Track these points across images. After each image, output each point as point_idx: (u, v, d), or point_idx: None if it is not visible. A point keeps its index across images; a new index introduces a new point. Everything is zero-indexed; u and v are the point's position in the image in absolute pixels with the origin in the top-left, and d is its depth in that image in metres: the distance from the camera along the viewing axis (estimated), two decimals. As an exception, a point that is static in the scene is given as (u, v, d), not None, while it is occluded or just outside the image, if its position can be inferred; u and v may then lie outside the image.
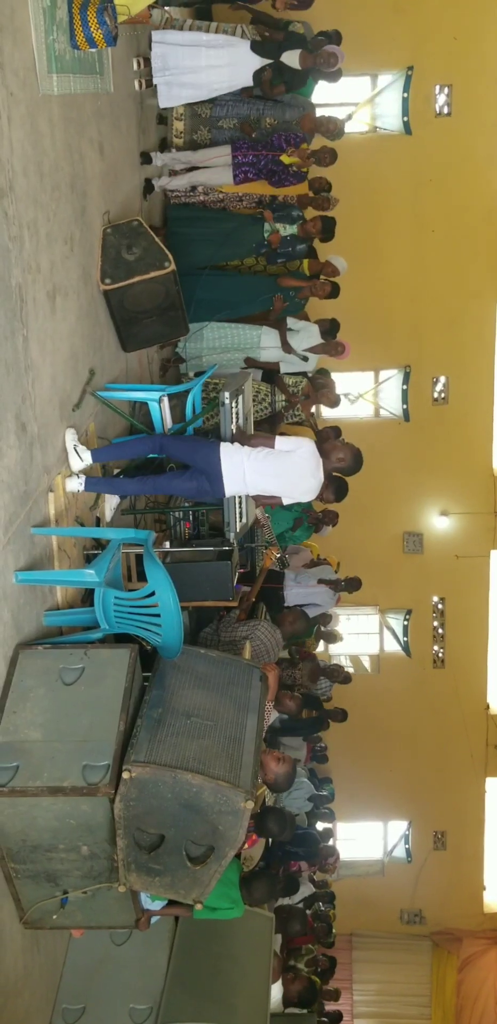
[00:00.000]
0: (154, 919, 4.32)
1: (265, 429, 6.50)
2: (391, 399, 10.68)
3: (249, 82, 6.45)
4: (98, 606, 3.94)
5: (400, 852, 11.80)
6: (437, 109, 9.92)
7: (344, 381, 9.26)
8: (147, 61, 6.20)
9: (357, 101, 9.95)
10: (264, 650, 5.07)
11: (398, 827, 11.82)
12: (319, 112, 7.06)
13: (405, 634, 11.12)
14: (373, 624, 11.28)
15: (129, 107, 5.88)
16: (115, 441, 5.11)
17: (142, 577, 4.20)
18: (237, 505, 4.83)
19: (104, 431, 5.01)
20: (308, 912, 8.20)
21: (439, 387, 10.59)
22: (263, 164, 6.55)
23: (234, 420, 4.77)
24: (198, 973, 4.49)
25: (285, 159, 6.50)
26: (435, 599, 11.07)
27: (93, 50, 4.38)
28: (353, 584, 8.00)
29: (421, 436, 10.54)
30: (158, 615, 3.82)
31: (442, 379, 10.55)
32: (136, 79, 6.06)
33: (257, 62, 6.40)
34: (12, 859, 3.69)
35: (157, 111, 6.69)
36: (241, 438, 4.73)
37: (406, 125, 9.88)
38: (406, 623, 11.09)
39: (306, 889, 8.65)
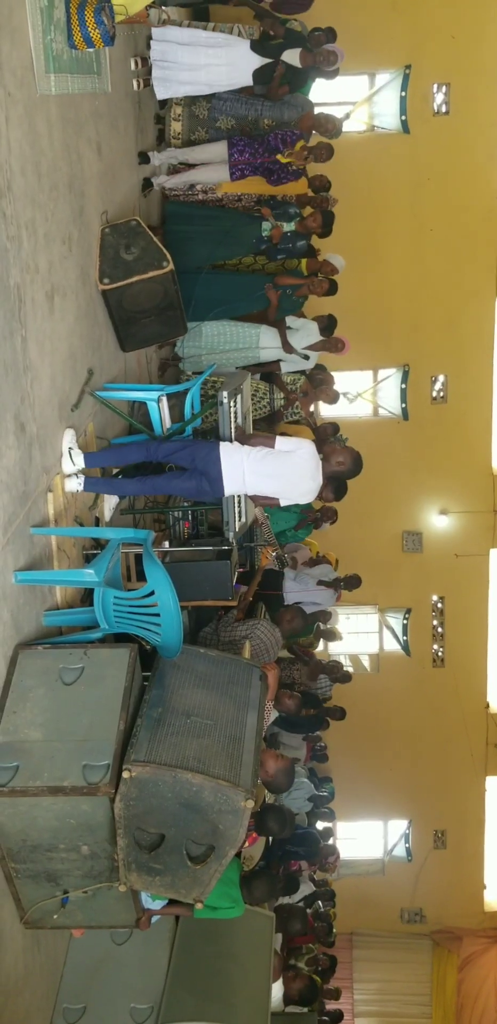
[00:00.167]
0: (154, 918, 4.32)
1: (263, 428, 6.51)
2: (390, 398, 10.68)
3: (248, 81, 6.44)
4: (97, 606, 3.94)
5: (400, 851, 11.80)
6: (435, 108, 9.92)
7: (343, 380, 9.25)
8: (145, 61, 6.20)
9: (355, 100, 9.95)
10: (263, 649, 5.07)
11: (398, 826, 11.82)
12: (317, 110, 7.06)
13: (405, 633, 11.12)
14: (372, 623, 11.29)
15: (127, 107, 5.88)
16: (114, 441, 5.11)
17: (141, 577, 4.20)
18: (236, 504, 4.83)
19: (103, 431, 5.01)
20: (308, 911, 8.20)
21: (438, 386, 10.60)
22: (260, 163, 6.54)
23: (233, 419, 4.76)
24: (199, 972, 4.49)
25: (282, 159, 6.49)
26: (435, 598, 11.08)
27: (91, 50, 4.37)
28: (352, 582, 8.00)
29: (420, 435, 10.55)
30: (158, 615, 3.82)
31: (441, 378, 10.55)
32: (134, 79, 6.06)
33: (256, 61, 6.39)
34: (12, 859, 3.69)
35: (155, 111, 6.69)
36: (241, 437, 4.72)
37: (404, 124, 9.88)
38: (406, 622, 11.10)
39: (306, 888, 8.66)
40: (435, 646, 11.19)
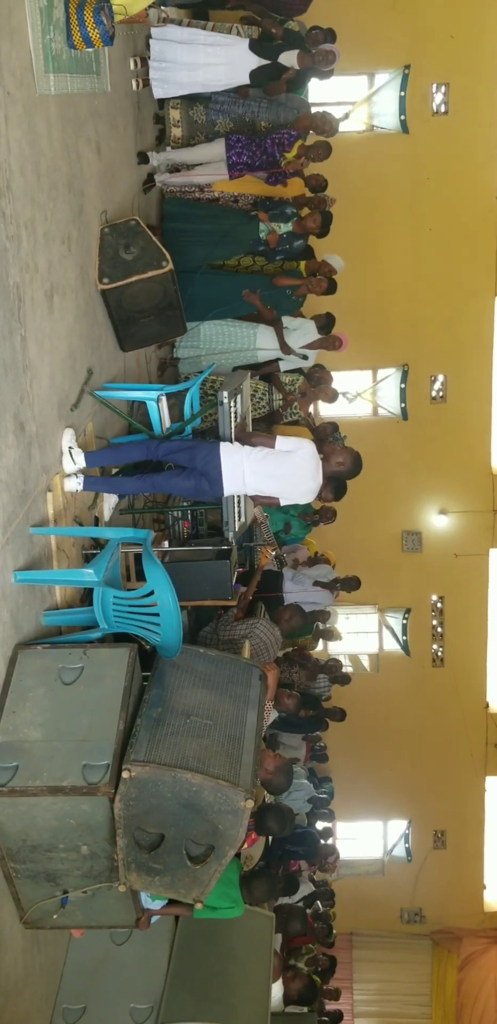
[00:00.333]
0: (154, 918, 4.32)
1: (262, 428, 6.50)
2: (389, 398, 10.68)
3: (245, 80, 6.45)
4: (97, 606, 3.94)
5: (400, 851, 11.80)
6: (434, 108, 9.92)
7: (342, 380, 9.26)
8: (144, 61, 6.21)
9: (354, 100, 9.96)
10: (263, 648, 5.07)
11: (398, 826, 11.82)
12: (313, 110, 7.06)
13: (404, 633, 11.12)
14: (372, 623, 11.29)
15: (126, 107, 5.88)
16: (113, 441, 5.11)
17: (141, 576, 4.20)
18: (236, 504, 4.83)
19: (102, 430, 5.00)
20: (308, 911, 8.20)
21: (437, 385, 10.60)
22: (258, 164, 6.55)
23: (234, 419, 4.76)
24: (198, 972, 4.49)
25: (282, 166, 6.51)
26: (434, 598, 11.08)
27: (90, 50, 4.38)
28: (350, 584, 7.99)
29: (419, 435, 10.55)
30: (157, 614, 3.82)
31: (440, 377, 10.56)
32: (133, 79, 6.06)
33: (254, 61, 6.41)
34: (12, 859, 3.69)
35: (154, 111, 6.69)
36: (242, 436, 4.72)
37: (403, 124, 9.88)
38: (405, 622, 11.10)
39: (306, 888, 8.65)
40: (435, 646, 11.19)
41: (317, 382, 6.95)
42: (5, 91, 3.58)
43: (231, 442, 4.67)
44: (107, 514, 4.98)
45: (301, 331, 6.75)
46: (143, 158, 6.32)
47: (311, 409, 7.37)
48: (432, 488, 10.72)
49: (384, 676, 11.28)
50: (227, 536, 4.86)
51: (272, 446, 4.63)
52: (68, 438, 4.33)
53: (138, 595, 3.87)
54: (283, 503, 4.92)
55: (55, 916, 3.95)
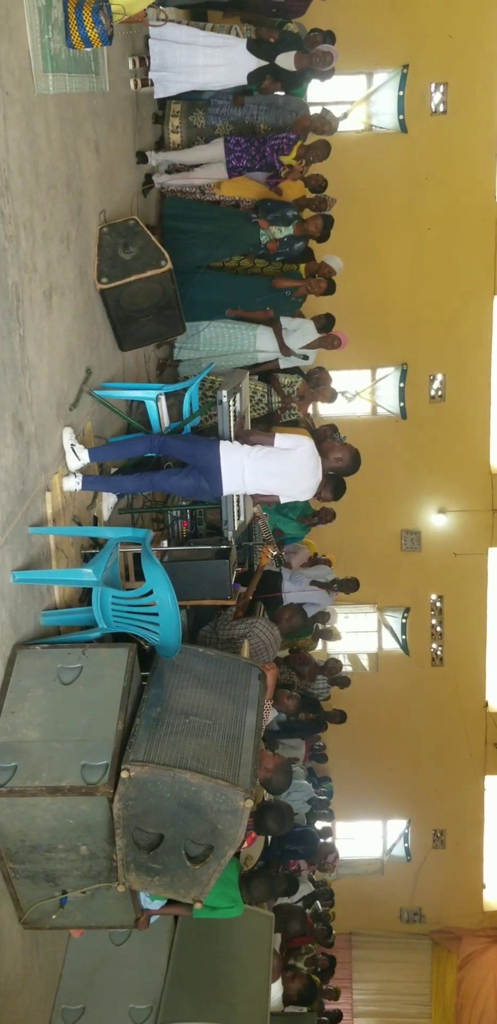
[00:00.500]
0: (153, 918, 4.32)
1: (261, 428, 6.50)
2: (388, 397, 10.69)
3: (244, 81, 6.45)
4: (96, 605, 3.94)
5: (399, 851, 11.81)
6: (433, 107, 9.94)
7: (341, 379, 9.26)
8: (143, 60, 6.20)
9: (353, 99, 9.96)
10: (262, 647, 5.06)
11: (397, 826, 11.83)
12: (312, 111, 7.06)
13: (403, 632, 11.13)
14: (371, 622, 11.29)
15: (125, 107, 5.87)
16: (112, 440, 5.10)
17: (140, 576, 4.19)
18: (235, 503, 4.82)
19: (101, 430, 5.00)
20: (307, 911, 8.19)
21: (436, 385, 10.61)
22: (258, 167, 6.55)
23: (233, 418, 4.76)
24: (198, 972, 4.49)
25: (282, 175, 6.51)
26: (433, 597, 11.08)
27: (89, 49, 4.38)
28: (349, 585, 7.97)
29: (418, 434, 10.56)
30: (156, 614, 3.82)
31: (439, 377, 10.56)
32: (132, 78, 6.06)
33: (253, 62, 6.41)
34: (11, 859, 3.69)
35: (153, 111, 6.69)
36: (241, 435, 4.72)
37: (402, 123, 9.90)
38: (404, 621, 11.10)
39: (305, 888, 8.65)
40: (434, 645, 11.19)
41: (316, 383, 6.94)
42: (4, 91, 3.57)
43: (231, 441, 4.67)
44: (106, 514, 4.98)
45: (301, 332, 6.75)
46: (142, 158, 6.32)
47: (310, 410, 7.37)
48: (431, 487, 10.73)
49: (383, 675, 11.29)
50: (226, 535, 4.86)
51: (271, 444, 4.63)
52: (69, 437, 4.33)
53: (137, 595, 3.86)
54: (283, 500, 4.92)
55: (54, 916, 3.95)
